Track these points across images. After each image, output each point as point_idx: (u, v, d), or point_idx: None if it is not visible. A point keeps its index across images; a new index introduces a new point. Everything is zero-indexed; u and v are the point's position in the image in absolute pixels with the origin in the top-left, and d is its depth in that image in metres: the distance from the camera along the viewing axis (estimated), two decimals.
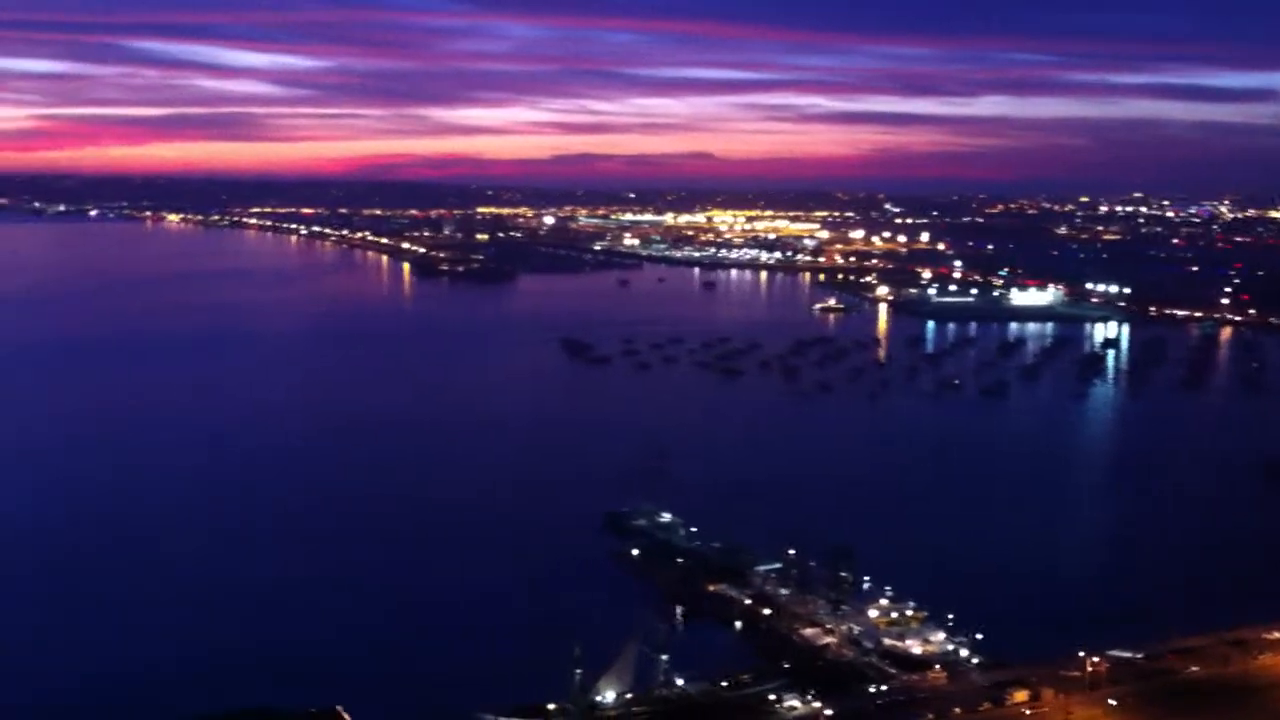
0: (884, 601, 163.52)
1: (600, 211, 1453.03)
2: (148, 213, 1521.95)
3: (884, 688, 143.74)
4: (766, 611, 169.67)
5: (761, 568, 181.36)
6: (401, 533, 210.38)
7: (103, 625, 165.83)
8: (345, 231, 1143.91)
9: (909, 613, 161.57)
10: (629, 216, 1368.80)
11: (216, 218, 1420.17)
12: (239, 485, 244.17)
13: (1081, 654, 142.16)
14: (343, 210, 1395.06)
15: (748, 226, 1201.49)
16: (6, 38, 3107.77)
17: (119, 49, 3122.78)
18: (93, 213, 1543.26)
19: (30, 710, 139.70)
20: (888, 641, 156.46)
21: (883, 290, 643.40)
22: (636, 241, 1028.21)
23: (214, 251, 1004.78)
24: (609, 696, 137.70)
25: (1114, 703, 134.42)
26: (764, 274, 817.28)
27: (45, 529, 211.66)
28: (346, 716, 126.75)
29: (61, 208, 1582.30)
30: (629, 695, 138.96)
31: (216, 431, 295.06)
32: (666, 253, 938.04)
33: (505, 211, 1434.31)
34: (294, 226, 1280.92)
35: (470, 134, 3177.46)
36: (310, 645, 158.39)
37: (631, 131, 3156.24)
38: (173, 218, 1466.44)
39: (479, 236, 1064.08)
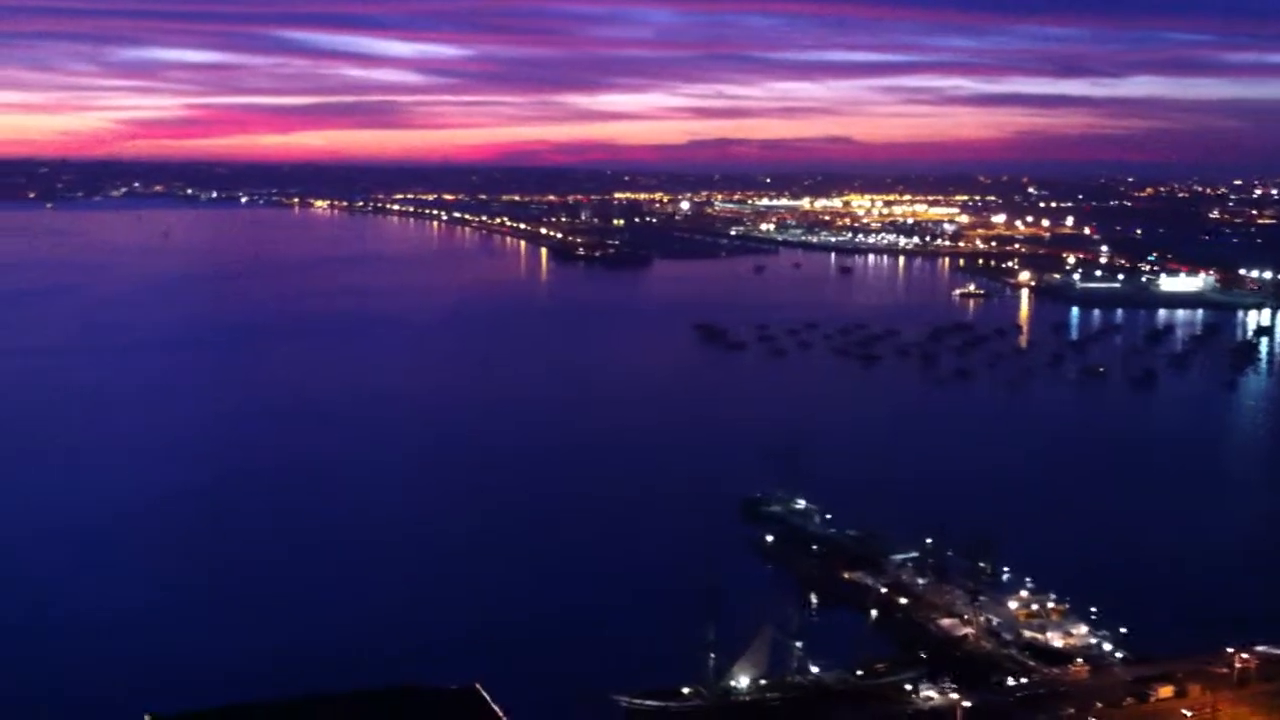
0: (1024, 593, 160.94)
1: (736, 196, 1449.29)
2: (295, 199, 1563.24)
3: (1023, 680, 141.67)
4: (903, 600, 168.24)
5: (898, 556, 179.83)
6: (538, 513, 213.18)
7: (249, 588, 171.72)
8: (484, 217, 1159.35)
9: (1050, 605, 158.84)
10: (765, 201, 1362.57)
11: (360, 204, 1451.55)
12: (377, 462, 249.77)
13: (1230, 650, 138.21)
14: (482, 196, 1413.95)
15: (886, 211, 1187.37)
16: (163, 28, 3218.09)
17: (270, 39, 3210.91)
18: (243, 199, 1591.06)
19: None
20: (1028, 634, 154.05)
21: (1025, 276, 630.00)
22: (772, 226, 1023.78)
23: (357, 237, 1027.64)
24: (743, 681, 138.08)
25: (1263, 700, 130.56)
26: (902, 259, 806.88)
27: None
28: (485, 694, 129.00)
29: (214, 194, 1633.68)
30: (763, 681, 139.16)
31: (341, 410, 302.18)
32: (803, 238, 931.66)
33: (641, 197, 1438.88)
34: (435, 212, 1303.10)
35: (608, 120, 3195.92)
36: (451, 622, 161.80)
37: (769, 116, 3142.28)
38: (319, 204, 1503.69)
39: (615, 222, 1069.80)
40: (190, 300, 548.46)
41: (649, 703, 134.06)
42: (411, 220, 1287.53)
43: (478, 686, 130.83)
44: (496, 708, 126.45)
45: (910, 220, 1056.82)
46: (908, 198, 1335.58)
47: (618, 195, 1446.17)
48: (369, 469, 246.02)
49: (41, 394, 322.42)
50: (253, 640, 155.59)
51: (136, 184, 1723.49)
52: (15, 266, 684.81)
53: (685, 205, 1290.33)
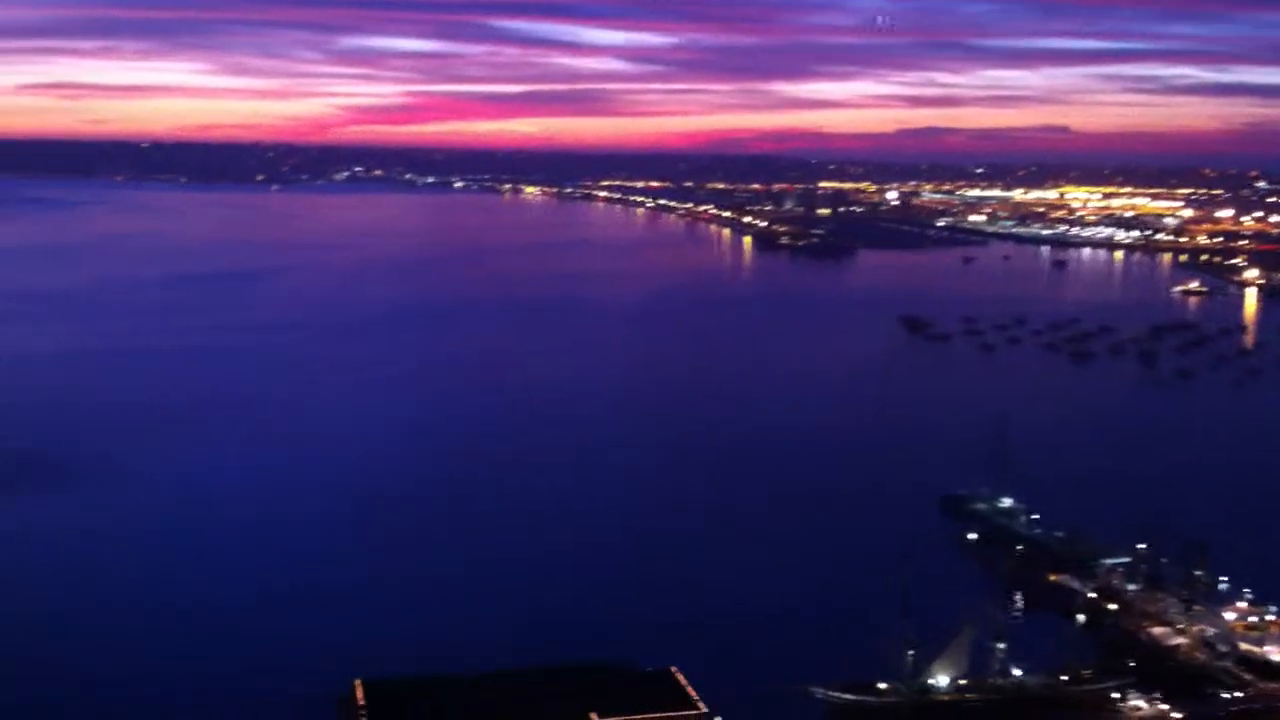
0: (1242, 604, 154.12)
1: (945, 187, 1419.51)
2: (506, 185, 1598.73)
3: (1237, 695, 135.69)
4: (1111, 606, 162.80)
5: (1107, 560, 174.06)
6: (740, 505, 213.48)
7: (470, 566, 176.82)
8: (689, 205, 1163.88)
9: (1270, 618, 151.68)
10: (975, 192, 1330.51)
11: (569, 190, 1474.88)
12: (575, 448, 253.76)
13: None
14: (687, 184, 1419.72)
15: (1103, 204, 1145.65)
16: (384, 18, 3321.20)
17: (484, 28, 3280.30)
18: (458, 184, 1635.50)
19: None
20: (1244, 646, 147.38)
21: (1252, 273, 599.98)
22: (982, 218, 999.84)
23: (564, 222, 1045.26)
24: (942, 681, 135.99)
25: None
26: (1119, 254, 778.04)
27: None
28: (681, 678, 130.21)
29: (430, 179, 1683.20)
30: (963, 681, 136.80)
31: (543, 395, 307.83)
32: (1014, 230, 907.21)
33: (847, 186, 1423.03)
34: (640, 199, 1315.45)
35: (814, 108, 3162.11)
36: (652, 607, 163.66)
37: (981, 104, 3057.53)
38: (529, 190, 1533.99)
39: (820, 211, 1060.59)
40: (402, 282, 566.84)
41: (845, 696, 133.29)
42: (618, 207, 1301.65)
43: (674, 670, 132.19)
44: (691, 691, 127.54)
45: (1129, 214, 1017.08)
46: (1127, 190, 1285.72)
47: (823, 184, 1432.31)
48: (564, 455, 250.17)
49: (258, 369, 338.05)
50: (463, 614, 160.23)
51: (358, 168, 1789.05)
52: (244, 246, 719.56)
53: (892, 195, 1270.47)
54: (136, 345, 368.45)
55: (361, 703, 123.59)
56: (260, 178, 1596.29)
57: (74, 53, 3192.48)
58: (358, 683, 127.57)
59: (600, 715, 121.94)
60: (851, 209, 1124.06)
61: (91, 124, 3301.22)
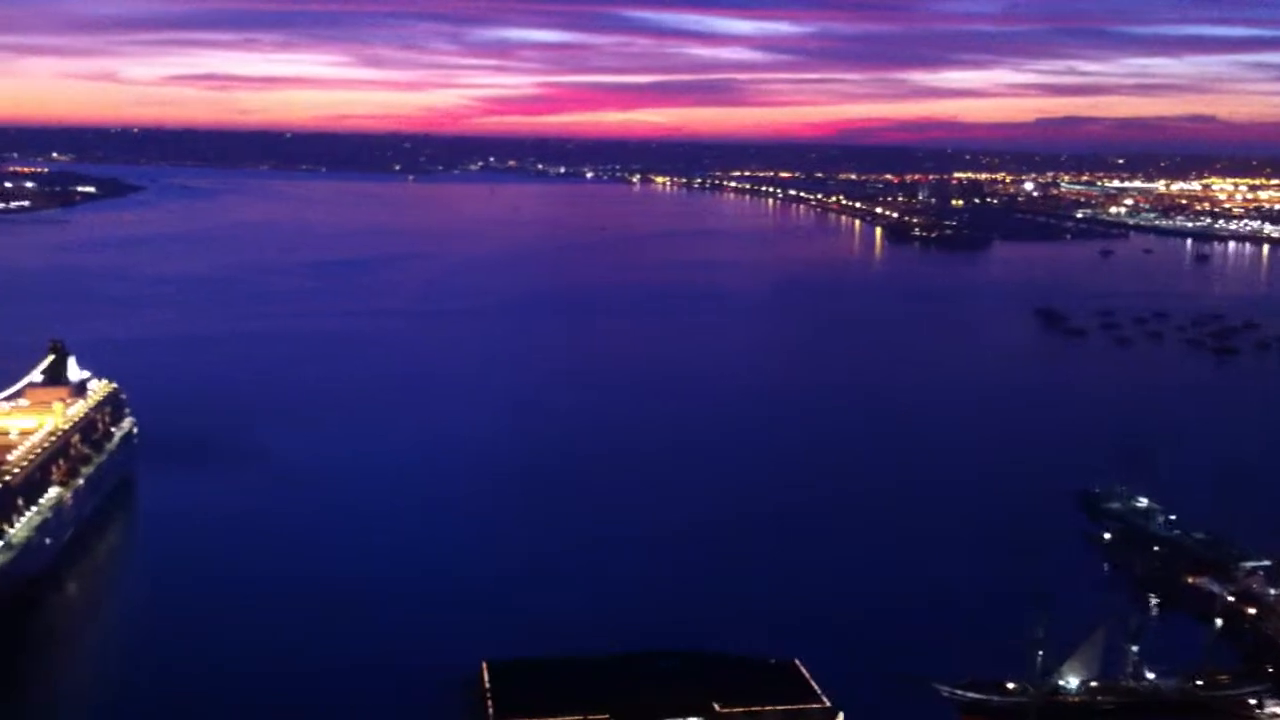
0: None
1: (1084, 177, 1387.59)
2: (636, 175, 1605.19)
3: None
4: (1252, 611, 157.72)
5: (1249, 564, 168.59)
6: (870, 497, 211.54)
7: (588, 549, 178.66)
8: (820, 195, 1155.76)
9: None
10: (1116, 184, 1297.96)
11: (699, 181, 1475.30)
12: (703, 441, 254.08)
13: None
14: (818, 174, 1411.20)
15: (1251, 196, 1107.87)
16: (518, 9, 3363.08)
17: (616, 18, 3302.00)
18: (588, 174, 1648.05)
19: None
20: None
21: None
22: (1123, 210, 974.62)
23: (694, 212, 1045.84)
24: (1072, 682, 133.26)
25: None
26: (1267, 248, 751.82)
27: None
28: (804, 671, 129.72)
29: (562, 170, 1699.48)
30: (1094, 683, 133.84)
31: (664, 383, 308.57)
32: (1156, 222, 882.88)
33: (983, 177, 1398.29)
34: (770, 190, 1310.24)
35: (949, 97, 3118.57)
36: (773, 594, 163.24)
37: (1123, 93, 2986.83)
38: (659, 180, 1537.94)
39: (954, 202, 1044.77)
40: (533, 269, 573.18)
41: (972, 694, 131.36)
42: (747, 197, 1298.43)
43: (797, 662, 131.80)
44: (815, 685, 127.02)
45: (1278, 206, 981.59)
46: (1275, 182, 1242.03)
47: (957, 175, 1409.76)
48: (687, 441, 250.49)
49: (390, 353, 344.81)
50: (588, 596, 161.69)
51: (491, 158, 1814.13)
52: (378, 233, 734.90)
53: (1029, 186, 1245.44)
54: (273, 328, 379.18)
55: (487, 684, 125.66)
56: (396, 167, 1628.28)
57: (218, 45, 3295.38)
58: (484, 664, 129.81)
59: (722, 705, 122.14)
60: (987, 200, 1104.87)
61: (236, 114, 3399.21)
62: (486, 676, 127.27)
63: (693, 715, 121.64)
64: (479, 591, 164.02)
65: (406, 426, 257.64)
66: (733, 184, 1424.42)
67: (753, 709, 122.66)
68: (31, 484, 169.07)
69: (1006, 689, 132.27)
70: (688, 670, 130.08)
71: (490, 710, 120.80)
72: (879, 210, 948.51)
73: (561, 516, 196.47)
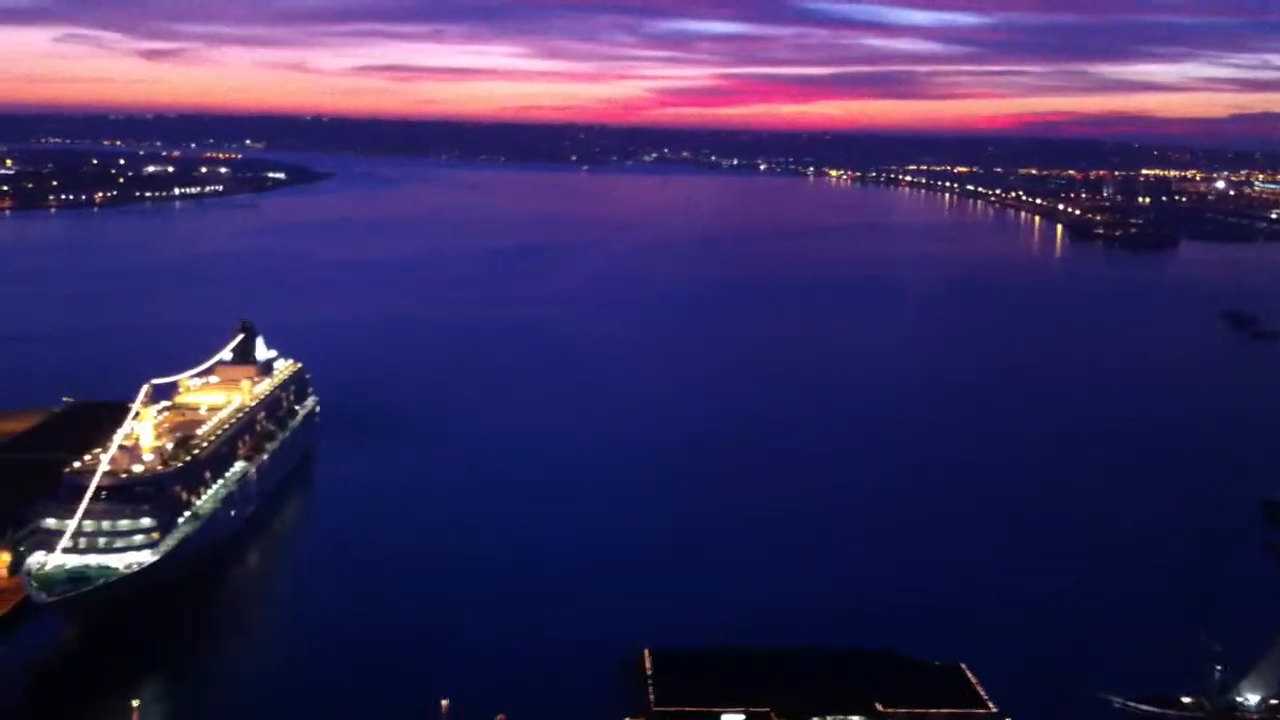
0: None
1: None
2: (809, 168, 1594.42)
3: None
4: None
5: None
6: (1039, 500, 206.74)
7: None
8: (998, 191, 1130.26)
9: None
10: None
11: (873, 174, 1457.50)
12: (863, 433, 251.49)
13: None
14: (997, 169, 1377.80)
15: None
16: (695, 0, 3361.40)
17: (793, 9, 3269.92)
18: (761, 167, 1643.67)
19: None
20: None
21: None
22: None
23: (866, 206, 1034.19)
24: (1252, 698, 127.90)
25: None
26: None
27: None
28: (970, 674, 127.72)
29: (735, 162, 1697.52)
30: (1275, 701, 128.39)
31: (818, 376, 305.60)
32: None
33: (1171, 174, 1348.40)
34: (946, 184, 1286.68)
35: (1136, 90, 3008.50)
36: (939, 596, 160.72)
37: None
38: (833, 173, 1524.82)
39: (1140, 200, 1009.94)
40: (704, 261, 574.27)
41: (1145, 707, 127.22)
42: (922, 192, 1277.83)
43: (962, 665, 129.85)
44: (980, 690, 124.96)
45: None
46: None
47: (1144, 172, 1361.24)
48: (853, 434, 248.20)
49: (559, 342, 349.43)
50: (751, 587, 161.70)
51: (665, 150, 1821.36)
52: (553, 223, 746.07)
53: (1220, 184, 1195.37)
54: (448, 314, 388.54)
55: (648, 670, 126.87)
56: (572, 158, 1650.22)
57: (405, 37, 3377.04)
58: (645, 651, 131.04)
59: (885, 705, 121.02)
60: (1175, 198, 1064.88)
61: (420, 105, 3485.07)
62: (648, 664, 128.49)
63: (855, 714, 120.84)
64: (638, 573, 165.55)
65: (574, 411, 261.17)
66: (908, 178, 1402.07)
67: (916, 711, 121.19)
68: (219, 458, 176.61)
69: (1182, 704, 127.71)
70: (850, 667, 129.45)
71: (651, 697, 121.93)
72: (1061, 207, 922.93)
73: (724, 504, 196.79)
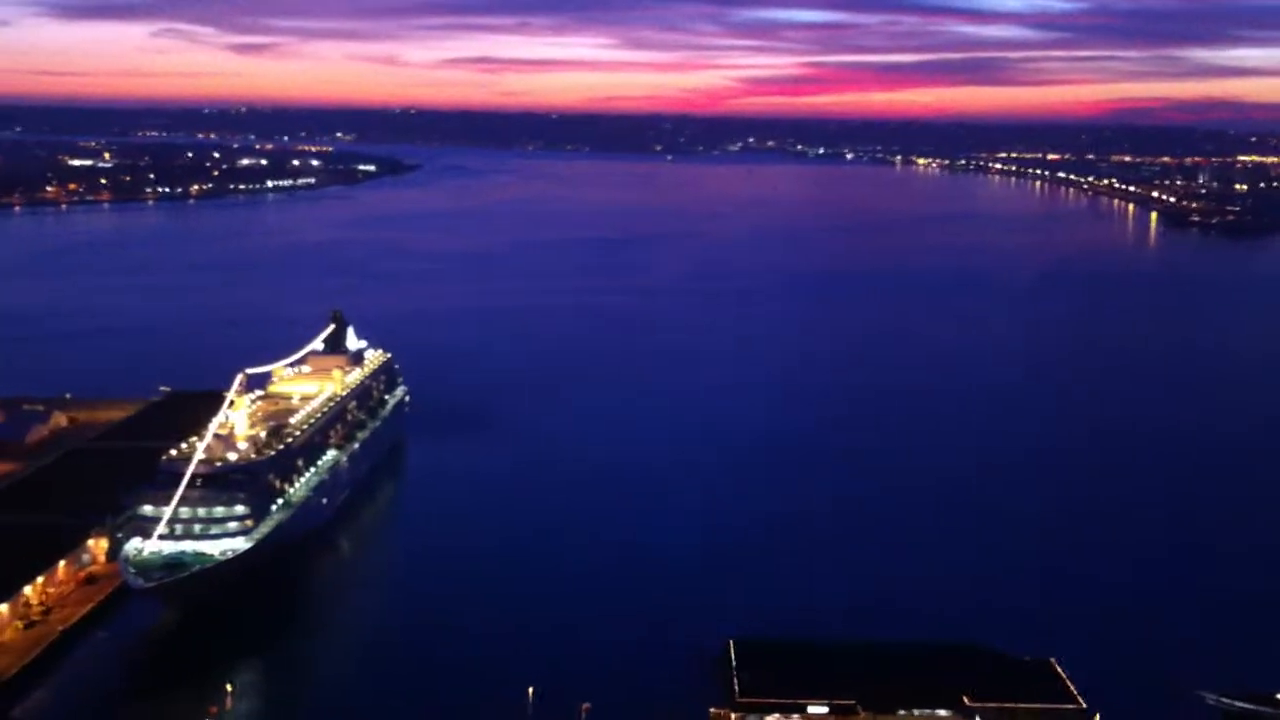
0: None
1: None
2: (897, 156, 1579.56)
3: None
4: None
5: None
6: (1143, 493, 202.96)
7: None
8: (1090, 178, 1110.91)
9: None
10: None
11: (962, 162, 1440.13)
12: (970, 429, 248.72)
13: None
14: (1089, 156, 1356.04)
15: None
16: None
17: None
18: (848, 155, 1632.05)
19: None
20: None
21: None
22: None
23: (955, 195, 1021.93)
24: None
25: None
26: None
27: None
28: (1060, 670, 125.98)
29: (821, 150, 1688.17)
30: None
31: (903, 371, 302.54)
32: None
33: (1269, 160, 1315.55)
34: (1037, 172, 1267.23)
35: (1234, 76, 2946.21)
36: (1034, 595, 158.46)
37: None
38: (920, 161, 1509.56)
39: (1237, 187, 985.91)
40: (787, 251, 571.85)
41: (1240, 704, 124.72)
42: (1013, 180, 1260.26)
43: (1052, 661, 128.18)
44: (1070, 685, 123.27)
45: None
46: None
47: (1241, 158, 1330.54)
48: (947, 430, 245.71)
49: (641, 329, 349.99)
50: (838, 579, 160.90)
51: (750, 139, 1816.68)
52: (635, 213, 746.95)
53: None
54: (535, 303, 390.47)
55: (733, 661, 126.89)
56: (657, 148, 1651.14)
57: (493, 29, 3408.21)
58: (731, 641, 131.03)
59: (973, 699, 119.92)
60: (1274, 185, 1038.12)
61: (506, 96, 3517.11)
62: (733, 654, 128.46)
63: (942, 707, 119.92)
64: (724, 565, 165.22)
65: (661, 402, 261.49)
66: (998, 166, 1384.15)
67: (1005, 705, 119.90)
68: (311, 447, 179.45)
69: (1277, 701, 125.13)
70: (936, 661, 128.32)
71: (736, 688, 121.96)
72: (1154, 194, 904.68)
73: (810, 496, 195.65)
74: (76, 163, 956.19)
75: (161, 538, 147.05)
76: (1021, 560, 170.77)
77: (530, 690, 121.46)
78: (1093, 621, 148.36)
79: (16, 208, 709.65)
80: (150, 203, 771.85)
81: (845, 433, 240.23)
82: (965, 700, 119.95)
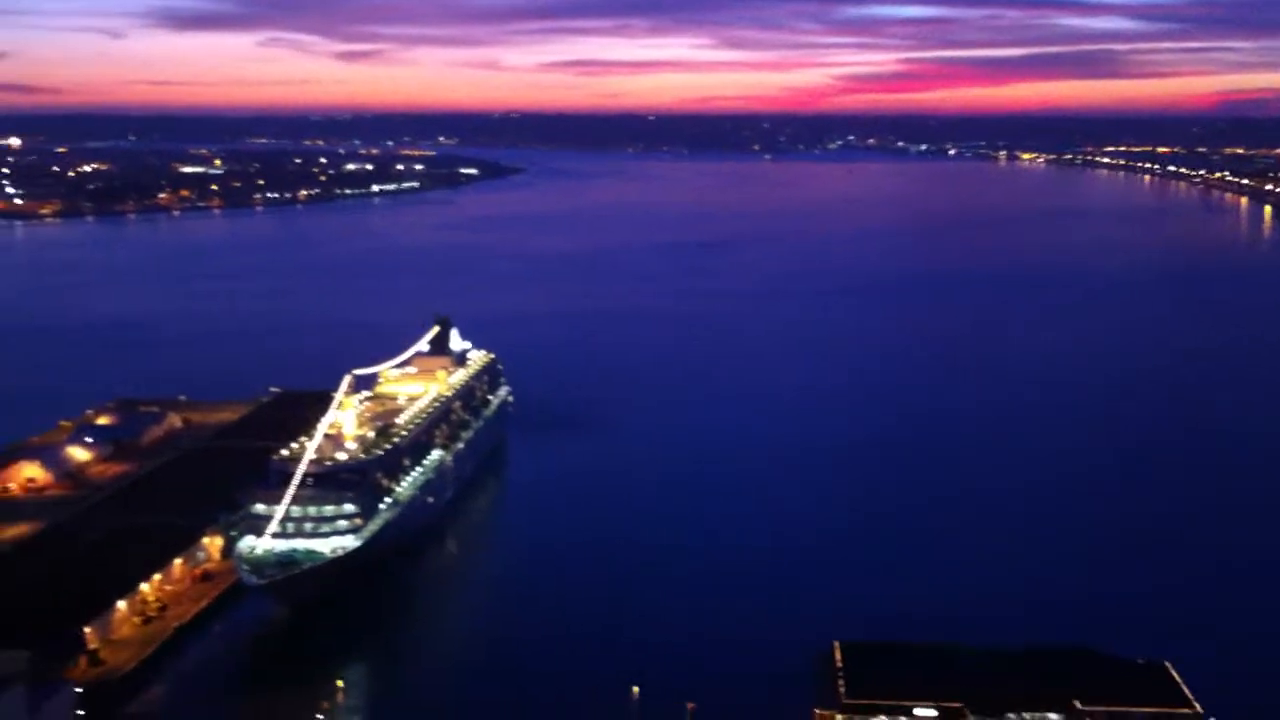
0: None
1: None
2: (1001, 152, 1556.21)
3: None
4: None
5: None
6: (1262, 493, 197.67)
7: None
8: (1201, 172, 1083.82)
9: None
10: None
11: (1068, 157, 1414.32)
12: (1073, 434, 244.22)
13: None
14: (1200, 149, 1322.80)
15: None
16: None
17: None
18: (951, 152, 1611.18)
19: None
20: None
21: None
22: None
23: (1061, 190, 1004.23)
24: None
25: None
26: None
27: None
28: (1174, 674, 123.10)
29: (923, 147, 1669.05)
30: None
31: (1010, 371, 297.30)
32: None
33: None
34: (1147, 166, 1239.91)
35: None
36: (1147, 598, 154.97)
37: None
38: (1025, 156, 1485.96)
39: None
40: (889, 251, 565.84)
41: None
42: (1121, 174, 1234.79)
43: (1167, 664, 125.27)
44: (1186, 689, 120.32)
45: None
46: None
47: None
48: (1051, 429, 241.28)
49: (729, 334, 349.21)
50: (938, 580, 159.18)
51: (850, 137, 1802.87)
52: (733, 215, 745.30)
53: None
54: (635, 306, 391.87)
55: (838, 663, 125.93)
56: (755, 147, 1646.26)
57: (591, 32, 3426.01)
58: (836, 643, 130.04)
59: (1084, 703, 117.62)
60: None
61: (605, 98, 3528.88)
62: (839, 656, 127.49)
63: (1052, 712, 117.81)
64: (827, 566, 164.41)
65: (762, 401, 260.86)
66: (1105, 160, 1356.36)
67: (1116, 709, 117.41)
68: (417, 446, 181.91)
69: None
70: (1046, 665, 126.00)
71: (842, 690, 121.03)
72: (1269, 187, 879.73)
73: (912, 496, 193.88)
74: (188, 170, 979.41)
75: (274, 536, 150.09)
76: (1132, 561, 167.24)
77: (635, 689, 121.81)
78: (1209, 624, 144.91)
79: (130, 214, 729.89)
80: (259, 208, 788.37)
81: (944, 432, 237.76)
82: (1076, 704, 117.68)
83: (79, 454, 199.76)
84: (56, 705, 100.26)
